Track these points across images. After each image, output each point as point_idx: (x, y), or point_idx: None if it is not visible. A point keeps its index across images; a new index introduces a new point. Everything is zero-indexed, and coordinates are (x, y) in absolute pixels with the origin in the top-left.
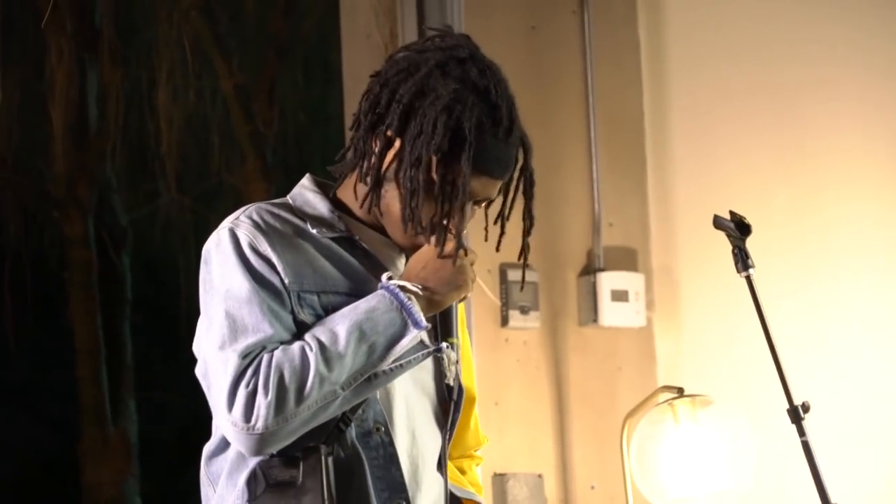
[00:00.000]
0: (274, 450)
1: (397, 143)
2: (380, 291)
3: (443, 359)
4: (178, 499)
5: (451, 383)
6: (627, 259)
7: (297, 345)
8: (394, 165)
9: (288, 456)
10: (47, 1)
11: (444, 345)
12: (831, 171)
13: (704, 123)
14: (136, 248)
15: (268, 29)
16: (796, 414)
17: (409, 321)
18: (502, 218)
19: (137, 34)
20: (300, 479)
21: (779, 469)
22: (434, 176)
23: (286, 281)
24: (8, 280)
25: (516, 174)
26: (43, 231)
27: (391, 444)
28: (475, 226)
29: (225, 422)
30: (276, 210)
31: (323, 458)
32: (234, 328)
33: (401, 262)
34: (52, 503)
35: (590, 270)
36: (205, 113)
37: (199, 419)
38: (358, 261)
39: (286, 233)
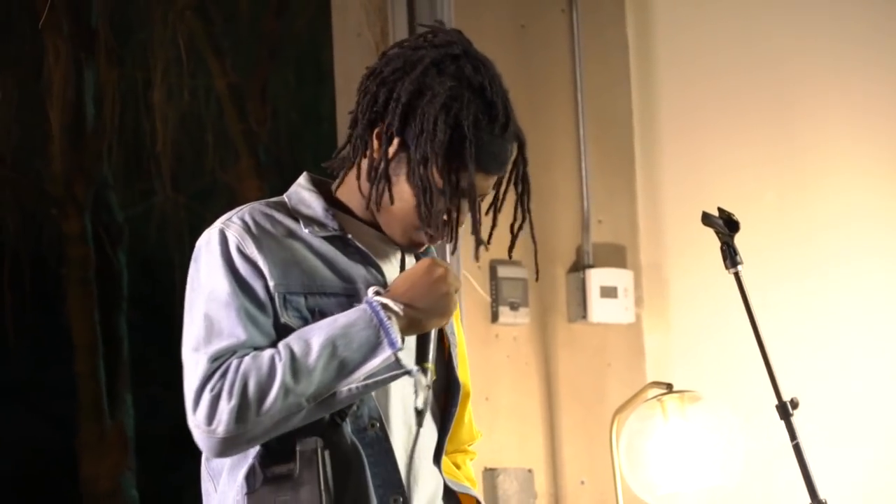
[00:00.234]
0: (236, 453)
1: (396, 141)
2: (362, 306)
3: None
4: (174, 492)
5: (420, 406)
6: (616, 256)
7: (267, 352)
8: (394, 163)
9: (285, 450)
10: (44, 2)
11: (414, 368)
12: (820, 168)
13: (693, 121)
14: (132, 246)
15: (261, 29)
16: (785, 410)
17: (385, 341)
18: (494, 210)
19: (133, 34)
20: (297, 471)
21: (768, 464)
22: (440, 174)
23: (272, 284)
24: (7, 277)
25: (509, 167)
26: (41, 229)
27: (386, 439)
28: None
29: (190, 422)
30: (269, 211)
31: (319, 451)
32: (210, 330)
33: (395, 259)
34: (50, 497)
35: (579, 267)
36: (199, 112)
37: None
38: (351, 259)
39: (277, 234)
